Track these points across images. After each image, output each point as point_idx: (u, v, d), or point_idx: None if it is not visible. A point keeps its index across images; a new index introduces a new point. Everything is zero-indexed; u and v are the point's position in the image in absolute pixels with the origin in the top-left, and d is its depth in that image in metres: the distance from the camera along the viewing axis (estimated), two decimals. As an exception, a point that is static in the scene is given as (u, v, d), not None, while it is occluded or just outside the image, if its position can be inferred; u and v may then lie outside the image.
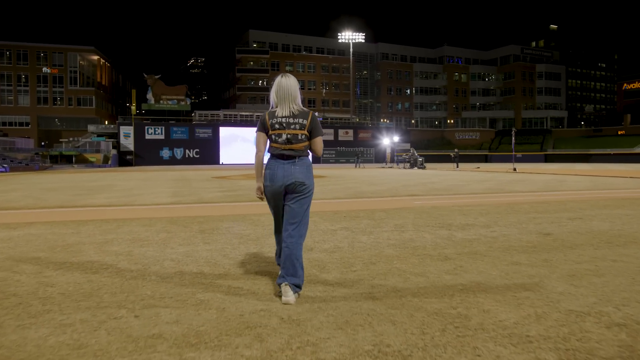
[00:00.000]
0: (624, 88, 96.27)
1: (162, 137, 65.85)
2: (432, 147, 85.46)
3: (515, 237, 5.81)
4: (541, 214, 8.01)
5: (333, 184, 16.87)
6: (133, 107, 70.24)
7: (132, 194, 12.86)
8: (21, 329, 2.78)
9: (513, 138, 33.80)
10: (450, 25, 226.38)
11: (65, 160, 63.28)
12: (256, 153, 3.64)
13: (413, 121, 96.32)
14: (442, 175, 23.91)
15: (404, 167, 41.19)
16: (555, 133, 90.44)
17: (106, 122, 79.82)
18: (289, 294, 3.34)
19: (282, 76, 3.60)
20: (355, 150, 71.32)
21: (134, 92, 74.29)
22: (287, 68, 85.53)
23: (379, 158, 72.83)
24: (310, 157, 3.69)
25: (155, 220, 7.36)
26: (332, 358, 2.36)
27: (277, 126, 3.52)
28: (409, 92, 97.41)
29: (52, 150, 64.07)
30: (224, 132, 68.25)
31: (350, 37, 79.42)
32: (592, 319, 2.93)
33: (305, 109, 3.60)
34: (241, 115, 72.82)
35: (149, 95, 72.31)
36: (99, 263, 4.52)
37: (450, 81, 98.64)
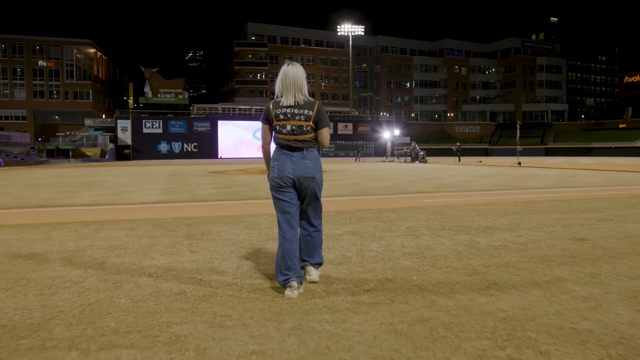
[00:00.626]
0: (625, 81, 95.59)
1: (159, 131, 65.04)
2: (432, 141, 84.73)
3: (547, 244, 5.09)
4: (566, 214, 7.29)
5: (335, 179, 16.12)
6: (130, 101, 69.43)
7: (120, 192, 12.11)
8: None
9: (518, 131, 33.05)
10: (450, 17, 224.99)
11: (61, 154, 62.47)
12: (262, 145, 3.57)
13: (413, 114, 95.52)
14: (446, 170, 23.18)
15: (405, 161, 40.44)
16: (556, 126, 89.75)
17: (103, 116, 79.01)
18: (312, 272, 3.57)
19: (288, 64, 3.50)
20: (355, 144, 70.47)
21: (131, 85, 73.49)
22: (286, 61, 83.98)
23: (379, 152, 72.08)
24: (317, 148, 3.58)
25: (139, 223, 6.62)
26: None
27: (281, 117, 3.40)
28: (408, 86, 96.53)
29: (48, 145, 63.22)
30: (223, 125, 67.38)
31: (349, 29, 78.40)
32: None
33: (311, 99, 3.47)
34: (240, 109, 71.90)
35: (147, 89, 71.36)
36: (62, 279, 3.79)
37: (450, 74, 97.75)
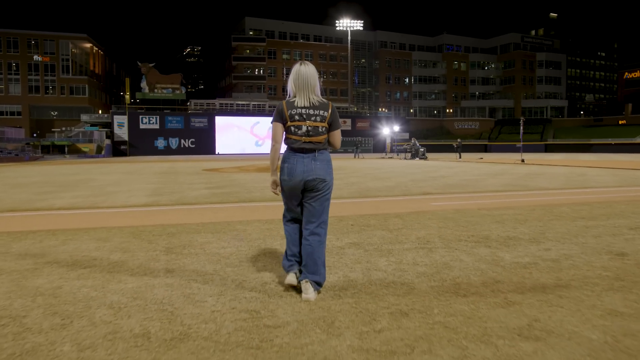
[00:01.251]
0: (624, 77, 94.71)
1: (156, 126, 64.10)
2: (431, 137, 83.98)
3: (583, 260, 4.37)
4: (591, 220, 6.57)
5: (334, 178, 15.21)
6: (127, 96, 68.39)
7: (105, 192, 11.35)
8: None
9: (521, 128, 32.26)
10: (449, 12, 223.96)
11: (57, 150, 61.58)
12: (273, 145, 3.42)
13: (412, 110, 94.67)
14: (449, 168, 22.44)
15: (405, 158, 39.70)
16: (555, 123, 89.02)
17: (100, 112, 78.12)
18: (309, 291, 3.31)
19: (301, 64, 3.40)
20: (354, 140, 69.59)
21: (127, 80, 72.42)
22: (284, 56, 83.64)
23: (378, 148, 71.30)
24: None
25: (115, 232, 5.88)
26: None
27: (297, 117, 3.34)
28: (407, 81, 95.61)
29: (43, 140, 62.29)
30: (220, 121, 66.45)
31: (348, 24, 77.43)
32: None
33: (324, 100, 3.43)
34: (237, 104, 70.94)
35: (143, 84, 70.37)
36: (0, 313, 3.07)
37: (449, 70, 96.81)
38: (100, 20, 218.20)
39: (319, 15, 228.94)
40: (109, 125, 64.30)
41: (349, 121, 72.78)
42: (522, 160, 29.17)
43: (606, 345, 2.54)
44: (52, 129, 69.17)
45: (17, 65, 73.91)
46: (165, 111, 66.06)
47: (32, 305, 3.21)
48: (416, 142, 39.58)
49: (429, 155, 43.56)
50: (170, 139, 64.56)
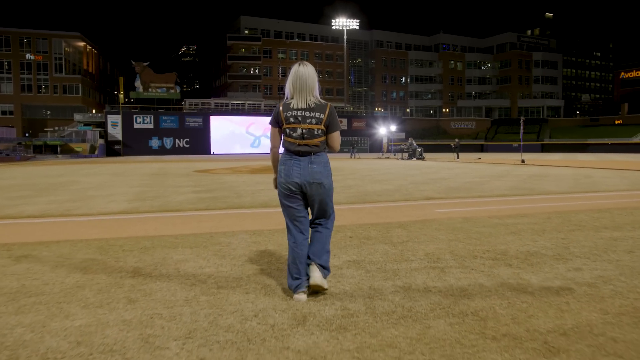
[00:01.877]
0: (621, 77, 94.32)
1: (151, 126, 63.33)
2: (427, 137, 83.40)
3: (624, 285, 3.69)
4: (616, 231, 5.90)
5: (329, 180, 14.60)
6: (121, 96, 67.54)
7: (84, 197, 10.59)
8: None
9: (522, 128, 31.66)
10: (446, 12, 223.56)
11: (49, 150, 60.64)
12: (271, 149, 3.45)
13: (408, 110, 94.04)
14: (448, 169, 21.77)
15: (402, 158, 39.02)
16: (551, 122, 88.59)
17: (93, 111, 77.15)
18: (315, 274, 3.28)
19: (299, 64, 3.33)
20: (350, 140, 68.89)
21: (121, 79, 71.57)
22: (280, 55, 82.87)
23: (374, 148, 70.67)
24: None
25: (81, 247, 5.15)
26: None
27: (292, 120, 3.28)
28: (403, 81, 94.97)
29: (36, 140, 61.30)
30: (215, 121, 65.70)
31: (344, 23, 76.76)
32: None
33: (322, 101, 3.35)
34: (232, 104, 70.17)
35: (137, 83, 69.54)
36: None
37: (445, 69, 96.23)
38: (94, 19, 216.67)
39: (314, 14, 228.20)
40: (102, 125, 63.45)
41: (345, 121, 72.10)
42: (523, 161, 28.54)
43: None
44: (45, 129, 68.17)
45: (9, 63, 72.88)
46: (159, 111, 65.27)
47: (-56, 355, 2.50)
48: (413, 142, 38.94)
49: (426, 155, 42.90)
50: (164, 138, 63.81)
